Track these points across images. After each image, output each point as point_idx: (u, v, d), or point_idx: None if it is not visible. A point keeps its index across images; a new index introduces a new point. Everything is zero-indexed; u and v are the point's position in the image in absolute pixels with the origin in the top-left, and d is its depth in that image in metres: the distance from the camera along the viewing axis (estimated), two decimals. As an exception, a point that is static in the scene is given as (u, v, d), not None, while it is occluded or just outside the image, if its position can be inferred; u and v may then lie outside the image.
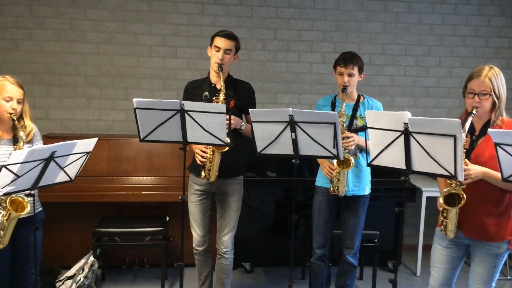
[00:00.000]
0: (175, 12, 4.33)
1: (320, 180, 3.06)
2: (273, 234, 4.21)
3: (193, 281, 3.38)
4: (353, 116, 2.95)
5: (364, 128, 2.86)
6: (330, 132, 2.43)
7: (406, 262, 4.42)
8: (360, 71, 2.93)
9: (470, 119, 2.24)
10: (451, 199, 2.27)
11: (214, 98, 2.77)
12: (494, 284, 2.39)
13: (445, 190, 2.28)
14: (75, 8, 4.22)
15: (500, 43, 4.67)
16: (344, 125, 2.87)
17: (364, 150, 2.94)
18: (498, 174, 2.12)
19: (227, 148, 2.66)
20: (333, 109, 2.96)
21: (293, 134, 2.51)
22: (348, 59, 2.87)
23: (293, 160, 2.60)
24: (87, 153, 2.35)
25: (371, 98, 3.05)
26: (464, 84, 2.35)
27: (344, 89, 2.87)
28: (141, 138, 2.55)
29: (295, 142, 2.54)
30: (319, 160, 3.03)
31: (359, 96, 3.01)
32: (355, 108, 2.96)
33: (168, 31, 4.34)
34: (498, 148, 2.06)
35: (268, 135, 2.57)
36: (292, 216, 2.75)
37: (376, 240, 3.65)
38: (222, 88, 2.77)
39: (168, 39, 4.35)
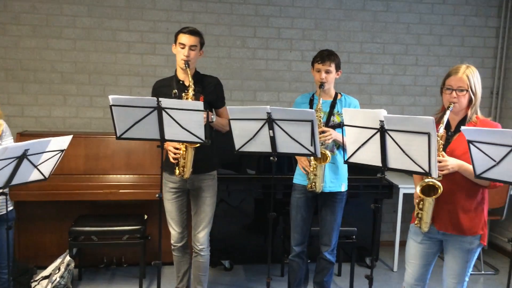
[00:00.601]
0: (153, 9, 4.28)
1: (298, 178, 3.08)
2: (252, 231, 4.21)
3: (172, 279, 3.37)
4: (331, 113, 2.98)
5: (341, 125, 2.89)
6: (308, 130, 2.45)
7: (384, 258, 4.48)
8: (337, 68, 2.97)
9: (447, 114, 2.31)
10: (427, 190, 2.31)
11: (183, 95, 2.77)
12: (467, 279, 2.45)
13: (423, 181, 2.31)
14: (51, 3, 4.14)
15: (475, 43, 4.77)
16: (321, 120, 2.90)
17: (341, 147, 2.96)
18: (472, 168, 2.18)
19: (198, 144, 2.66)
20: (311, 107, 2.99)
21: (271, 131, 2.52)
22: (325, 56, 2.91)
23: (271, 158, 2.61)
24: (62, 150, 2.31)
25: (348, 95, 3.09)
26: (442, 81, 2.42)
27: (321, 85, 2.91)
28: (118, 135, 2.52)
29: (273, 139, 2.55)
30: (297, 157, 3.05)
31: (336, 94, 3.05)
32: (333, 105, 2.99)
33: (146, 28, 4.29)
34: (471, 146, 2.10)
35: (246, 133, 2.58)
36: (270, 213, 2.75)
37: (354, 236, 3.69)
38: (190, 84, 2.76)
39: (146, 36, 4.30)
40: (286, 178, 3.35)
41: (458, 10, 4.70)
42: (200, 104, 2.43)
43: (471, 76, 2.33)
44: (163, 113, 2.44)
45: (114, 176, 3.87)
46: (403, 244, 2.78)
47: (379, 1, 4.58)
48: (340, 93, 3.07)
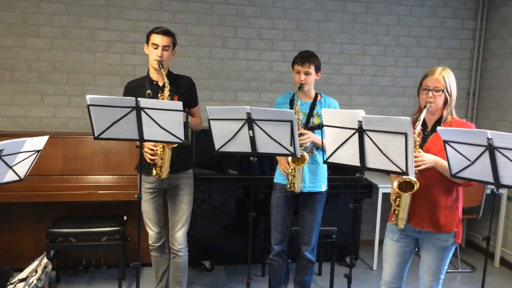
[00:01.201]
0: (133, 8, 4.24)
1: (278, 177, 3.10)
2: (234, 232, 4.21)
3: (151, 280, 3.34)
4: (310, 114, 3.00)
5: (320, 126, 2.90)
6: (287, 130, 2.46)
7: (364, 257, 4.53)
8: (317, 70, 2.98)
9: (424, 113, 2.36)
10: (404, 187, 2.36)
11: (159, 95, 2.76)
12: (442, 277, 2.49)
13: (400, 178, 2.34)
14: (28, 1, 4.06)
15: (453, 44, 4.85)
16: (300, 122, 2.91)
17: (320, 148, 2.98)
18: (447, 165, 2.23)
19: (176, 144, 2.65)
20: (291, 107, 3.00)
21: (250, 132, 2.52)
22: (305, 57, 2.92)
23: (251, 158, 2.62)
24: (38, 151, 2.27)
25: (328, 96, 3.11)
26: (420, 82, 2.48)
27: (300, 87, 2.92)
28: (95, 136, 2.49)
29: (252, 139, 2.55)
30: (277, 157, 3.06)
31: (316, 95, 3.07)
32: (312, 106, 3.01)
33: (126, 27, 4.25)
34: (447, 146, 2.15)
35: (226, 133, 2.57)
36: (250, 213, 2.76)
37: (334, 236, 3.72)
38: (166, 84, 2.75)
39: (126, 35, 4.26)
40: (268, 178, 3.36)
41: (436, 12, 4.77)
42: (179, 104, 2.42)
43: (447, 78, 2.40)
44: (142, 113, 2.42)
45: (93, 176, 3.82)
46: (382, 243, 2.81)
47: (359, 3, 4.62)
48: (320, 94, 3.09)
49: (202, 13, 4.37)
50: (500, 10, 4.63)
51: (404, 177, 2.30)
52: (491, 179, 2.10)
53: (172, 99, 2.74)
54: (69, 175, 3.77)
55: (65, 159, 3.79)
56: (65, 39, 4.17)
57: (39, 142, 2.24)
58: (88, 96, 2.40)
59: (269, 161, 4.02)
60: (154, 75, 2.90)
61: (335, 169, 4.09)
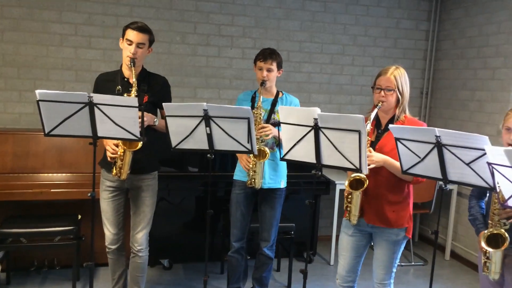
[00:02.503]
0: (88, 0, 4.12)
1: (238, 174, 3.11)
2: (193, 229, 4.17)
3: (107, 280, 3.26)
4: (271, 111, 3.03)
5: (280, 123, 2.93)
6: (244, 127, 2.46)
7: (322, 252, 4.60)
8: (279, 67, 3.02)
9: (375, 111, 2.43)
10: (355, 184, 2.42)
11: (125, 95, 2.67)
12: (394, 270, 2.58)
13: (351, 176, 2.43)
14: (-26, -10, 3.88)
15: (407, 45, 5.00)
16: (262, 118, 2.93)
17: (281, 144, 3.01)
18: (397, 163, 2.33)
19: (139, 147, 2.60)
20: (253, 104, 3.02)
21: (207, 128, 2.51)
22: (267, 54, 2.95)
23: (208, 155, 2.60)
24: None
25: (289, 94, 3.15)
26: (374, 81, 2.53)
27: (262, 83, 2.95)
28: (46, 132, 2.41)
29: (210, 136, 2.54)
30: (237, 154, 3.06)
31: (278, 92, 3.10)
32: (274, 103, 3.04)
33: (81, 20, 4.13)
34: (398, 143, 2.21)
35: (183, 130, 2.55)
36: (207, 211, 2.74)
37: (292, 232, 3.75)
38: (134, 83, 2.68)
39: (80, 28, 4.14)
40: (229, 175, 3.35)
41: (392, 13, 4.90)
42: (134, 101, 2.37)
43: (399, 77, 2.45)
44: (95, 109, 2.36)
45: (46, 175, 3.69)
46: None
47: (317, 2, 4.68)
48: (281, 92, 3.13)
49: (161, 8, 4.30)
50: (451, 13, 4.81)
51: (354, 174, 2.37)
52: (439, 175, 2.18)
53: (141, 99, 2.67)
54: (20, 173, 3.63)
55: (15, 156, 3.64)
56: (16, 31, 4.00)
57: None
58: (37, 91, 2.31)
59: (230, 158, 4.01)
60: (126, 72, 2.81)
61: (295, 166, 4.11)
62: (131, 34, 2.71)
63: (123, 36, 2.76)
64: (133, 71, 2.68)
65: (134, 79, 2.67)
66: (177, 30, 4.37)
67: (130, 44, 2.70)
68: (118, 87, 2.75)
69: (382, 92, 2.44)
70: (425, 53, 5.04)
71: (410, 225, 2.52)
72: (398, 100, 2.47)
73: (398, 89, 2.45)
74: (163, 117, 2.90)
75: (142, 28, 2.73)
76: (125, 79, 2.80)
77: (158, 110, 2.91)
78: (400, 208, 2.48)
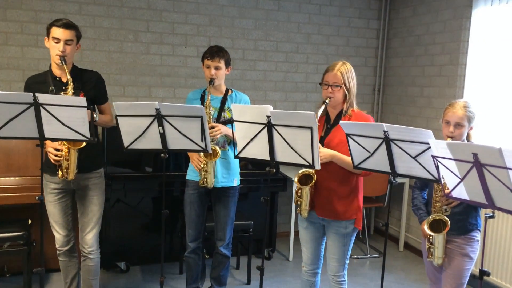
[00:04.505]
0: (34, -3, 3.97)
1: (191, 174, 3.08)
2: (150, 231, 4.11)
3: (60, 286, 3.17)
4: (221, 109, 3.01)
5: (231, 121, 2.93)
6: (198, 126, 2.45)
7: (280, 249, 4.65)
8: (227, 64, 3.00)
9: (323, 107, 2.48)
10: (304, 180, 2.49)
11: (62, 93, 2.61)
12: (347, 261, 2.66)
13: (299, 171, 2.50)
14: None
15: (359, 43, 5.12)
16: (212, 117, 2.92)
17: (232, 142, 3.01)
18: (345, 157, 2.42)
19: (83, 144, 2.54)
20: (202, 102, 2.99)
21: (160, 128, 2.48)
22: (214, 52, 2.93)
23: (162, 155, 2.57)
24: None
25: (238, 91, 3.14)
26: (322, 77, 2.57)
27: (211, 81, 2.93)
28: (-11, 134, 2.30)
29: (163, 136, 2.51)
30: (189, 154, 3.04)
31: (227, 90, 3.09)
32: (223, 101, 3.03)
33: (26, 18, 3.97)
34: (349, 138, 2.27)
35: (135, 130, 2.51)
36: (162, 211, 2.71)
37: (250, 229, 3.77)
38: (69, 81, 2.61)
39: (27, 27, 3.98)
40: (184, 174, 3.32)
41: (343, 12, 5.00)
42: (83, 100, 2.30)
43: (345, 73, 2.51)
44: (41, 109, 2.28)
45: (-8, 179, 3.53)
46: (297, 234, 2.93)
47: (271, 0, 4.71)
48: (231, 89, 3.12)
49: (111, 5, 4.20)
50: (400, 11, 4.97)
51: (302, 170, 2.42)
52: (388, 169, 2.25)
53: (77, 96, 2.60)
54: (-36, 178, 3.46)
55: (-42, 160, 3.47)
56: (-44, 29, 3.80)
57: None
58: (-22, 92, 2.21)
59: (184, 158, 3.97)
60: (56, 71, 2.73)
61: (254, 164, 4.16)
62: (57, 32, 2.63)
63: (48, 35, 2.67)
64: (66, 69, 2.61)
65: (68, 77, 2.61)
66: (129, 28, 4.28)
67: (57, 42, 2.63)
68: (51, 88, 2.67)
69: (330, 88, 2.50)
70: (376, 51, 5.18)
71: (359, 217, 2.61)
72: (345, 95, 2.53)
73: (345, 85, 2.51)
74: (101, 112, 2.87)
75: (68, 25, 2.66)
76: (57, 79, 2.73)
77: (95, 106, 2.85)
78: (348, 200, 2.57)
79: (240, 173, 3.19)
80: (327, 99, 2.49)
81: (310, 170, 2.40)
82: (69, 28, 2.66)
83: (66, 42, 2.64)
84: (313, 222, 2.66)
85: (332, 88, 2.49)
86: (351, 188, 2.57)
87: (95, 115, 2.70)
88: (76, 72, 2.77)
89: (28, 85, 2.77)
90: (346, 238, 2.59)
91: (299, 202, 2.54)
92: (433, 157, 1.98)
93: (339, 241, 2.58)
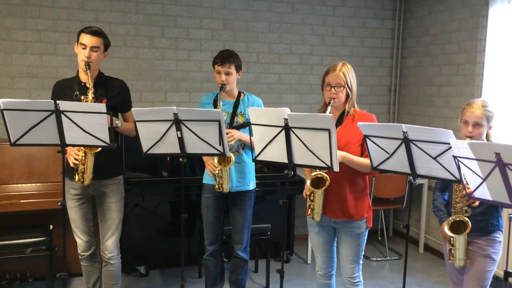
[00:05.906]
0: (52, 6, 4.04)
1: (207, 178, 3.09)
2: (169, 234, 4.14)
3: (82, 291, 3.21)
4: (234, 114, 3.01)
5: (245, 125, 2.94)
6: (215, 130, 2.46)
7: (298, 252, 4.63)
8: (238, 69, 2.99)
9: (329, 109, 2.46)
10: (316, 183, 2.46)
11: (82, 98, 2.66)
12: (361, 261, 2.65)
13: (312, 174, 2.47)
14: None
15: (374, 43, 5.09)
16: (225, 122, 2.91)
17: (247, 146, 3.01)
18: (354, 158, 2.42)
19: (99, 148, 2.56)
20: (215, 107, 2.99)
21: (178, 132, 2.50)
22: (225, 57, 2.92)
23: (180, 159, 2.59)
24: None
25: (251, 95, 3.14)
26: (322, 78, 2.56)
27: (222, 87, 2.92)
28: (12, 142, 2.35)
29: (181, 140, 2.53)
30: (204, 158, 3.05)
31: (239, 93, 3.08)
32: (236, 106, 3.03)
33: (44, 27, 4.04)
34: (367, 140, 2.25)
35: (153, 135, 2.53)
36: (182, 215, 2.73)
37: (268, 233, 3.77)
38: (90, 87, 2.66)
39: (45, 35, 4.05)
40: (201, 178, 3.34)
41: (358, 12, 4.98)
42: (102, 107, 2.34)
43: (347, 73, 2.50)
44: (62, 116, 2.32)
45: (14, 185, 3.60)
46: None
47: (285, 3, 4.72)
48: (243, 92, 3.10)
49: (127, 12, 4.25)
50: (415, 11, 4.93)
51: (315, 173, 2.40)
52: (408, 170, 2.23)
53: (99, 102, 2.64)
54: (-13, 185, 3.53)
55: (-19, 168, 3.54)
56: (-23, 39, 3.89)
57: None
58: (1, 100, 2.26)
59: (199, 162, 4.00)
60: (83, 76, 2.78)
61: (269, 167, 4.16)
62: (85, 38, 2.70)
63: (77, 41, 2.74)
64: (89, 75, 2.66)
65: (90, 82, 2.66)
66: (145, 34, 4.33)
67: (84, 48, 2.69)
68: (76, 93, 2.73)
69: (333, 89, 2.48)
70: (391, 51, 5.14)
71: (370, 215, 2.60)
72: (347, 96, 2.52)
73: (347, 85, 2.50)
74: (125, 120, 2.89)
75: (96, 32, 2.73)
76: (82, 84, 2.78)
77: (119, 114, 2.89)
78: (358, 200, 2.56)
79: (256, 176, 3.19)
80: (331, 100, 2.47)
81: (323, 173, 2.38)
82: (97, 35, 2.72)
83: (92, 49, 2.69)
84: (324, 226, 2.63)
85: (335, 89, 2.48)
86: (361, 188, 2.56)
87: (116, 121, 2.75)
88: (101, 79, 2.82)
89: (55, 89, 2.84)
90: (360, 238, 2.58)
91: (311, 206, 2.52)
92: (455, 157, 1.96)
93: (353, 241, 2.57)
